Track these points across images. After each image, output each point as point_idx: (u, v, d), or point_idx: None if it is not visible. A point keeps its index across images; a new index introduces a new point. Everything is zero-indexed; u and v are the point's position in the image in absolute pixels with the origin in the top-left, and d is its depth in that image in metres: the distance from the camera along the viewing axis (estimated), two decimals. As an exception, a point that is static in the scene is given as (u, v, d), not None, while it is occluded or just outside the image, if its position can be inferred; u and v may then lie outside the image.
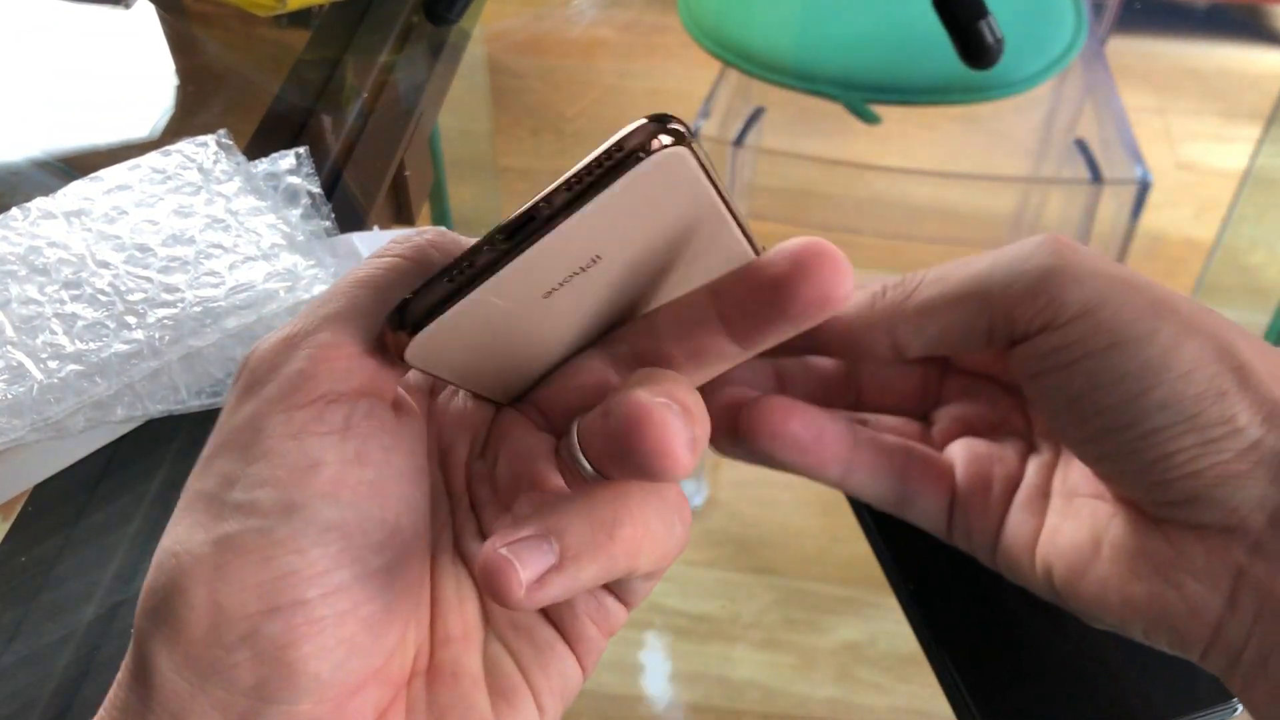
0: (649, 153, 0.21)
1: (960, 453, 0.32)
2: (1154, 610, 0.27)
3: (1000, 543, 0.31)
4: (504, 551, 0.22)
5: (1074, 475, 0.31)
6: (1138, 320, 0.27)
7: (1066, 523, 0.30)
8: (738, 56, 0.94)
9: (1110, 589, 0.28)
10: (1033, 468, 0.32)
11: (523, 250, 0.22)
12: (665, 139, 0.21)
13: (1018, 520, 0.31)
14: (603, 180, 0.21)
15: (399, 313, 0.24)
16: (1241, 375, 0.26)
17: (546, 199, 0.22)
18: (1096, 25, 1.04)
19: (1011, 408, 0.33)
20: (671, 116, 0.21)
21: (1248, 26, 1.49)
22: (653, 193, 0.22)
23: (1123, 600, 0.28)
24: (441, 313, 0.23)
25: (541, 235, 0.22)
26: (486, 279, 0.23)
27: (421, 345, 0.24)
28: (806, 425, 0.30)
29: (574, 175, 0.22)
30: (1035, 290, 0.27)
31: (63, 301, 0.48)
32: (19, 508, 0.46)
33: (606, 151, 0.21)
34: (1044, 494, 0.31)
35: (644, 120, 0.21)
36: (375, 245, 0.54)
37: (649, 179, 0.22)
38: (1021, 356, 0.28)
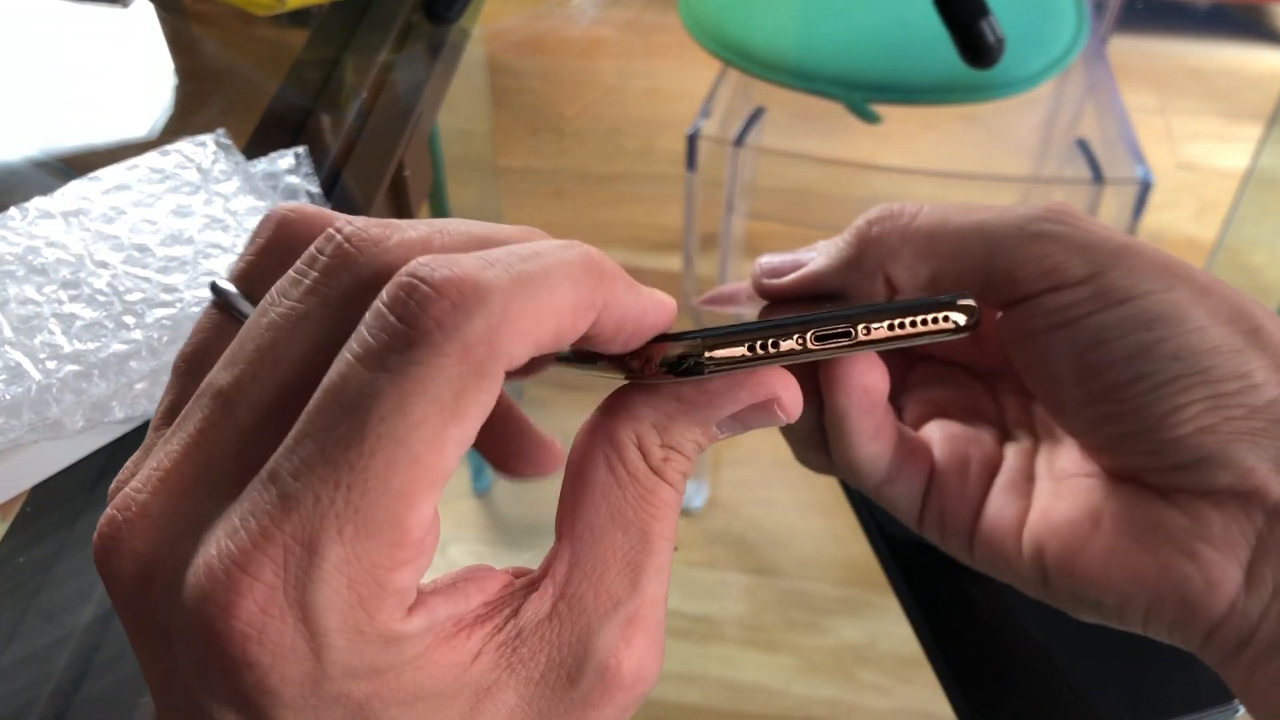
0: (958, 330, 0.25)
1: (935, 433, 0.31)
2: (1165, 584, 0.25)
3: (979, 529, 0.29)
4: None
5: (1061, 459, 0.30)
6: (1149, 279, 0.26)
7: (1059, 501, 0.28)
8: (738, 56, 0.94)
9: (1113, 564, 0.26)
10: (1012, 453, 0.31)
11: (826, 356, 0.24)
12: (962, 320, 0.25)
13: (1000, 503, 0.29)
14: (914, 333, 0.24)
15: (683, 359, 0.22)
16: (1257, 336, 0.25)
17: (866, 325, 0.24)
18: (1098, 25, 1.03)
19: (983, 394, 0.32)
20: (972, 301, 0.25)
21: (1249, 26, 1.49)
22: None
23: (1128, 575, 0.26)
24: (726, 371, 0.23)
25: (847, 351, 0.24)
26: (779, 361, 0.23)
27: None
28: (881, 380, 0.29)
29: (897, 318, 0.24)
30: (1043, 253, 0.26)
31: (61, 302, 0.47)
32: (17, 508, 0.45)
33: (929, 311, 0.24)
34: (1028, 477, 0.30)
35: (962, 299, 0.25)
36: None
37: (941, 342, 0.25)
38: (1022, 314, 0.27)
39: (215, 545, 0.19)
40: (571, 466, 0.23)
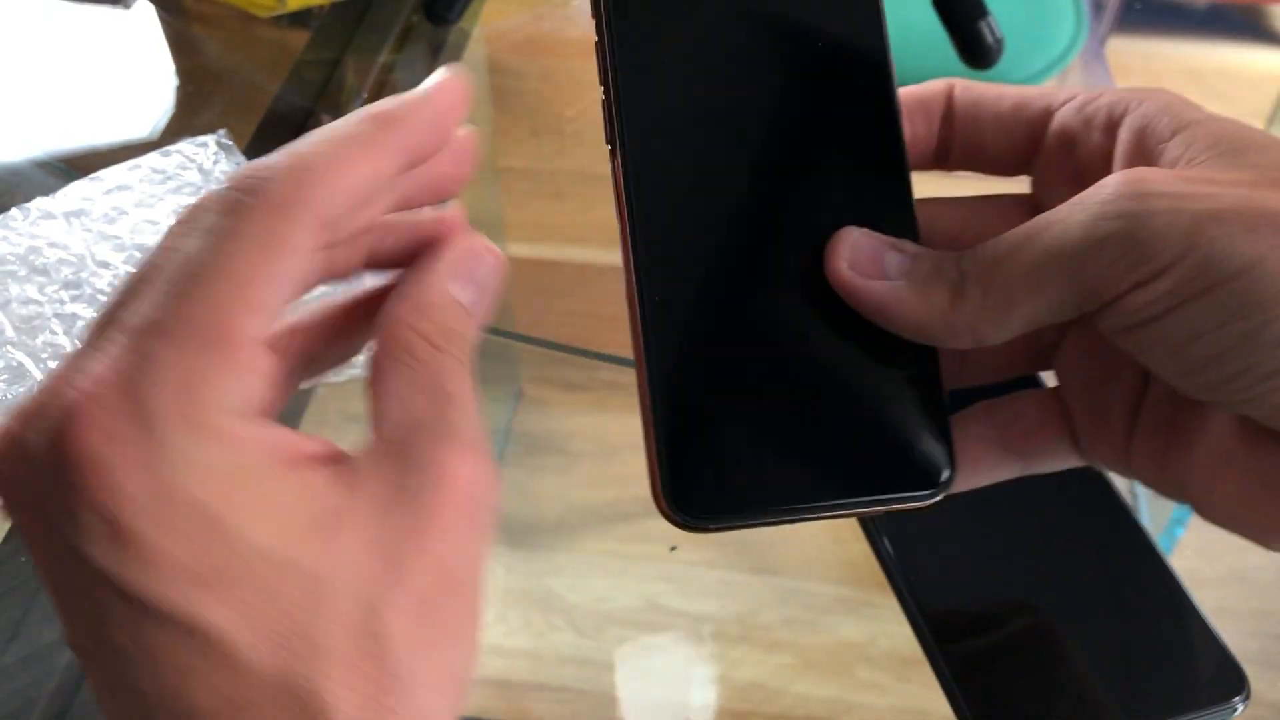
0: None
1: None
2: None
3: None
4: None
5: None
6: (1234, 254, 0.23)
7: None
8: (738, 57, 0.94)
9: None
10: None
11: None
12: None
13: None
14: None
15: None
16: None
17: None
18: (1096, 25, 1.04)
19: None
20: None
21: (1248, 27, 1.48)
22: None
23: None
24: None
25: None
26: None
27: None
28: None
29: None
30: (1121, 254, 0.24)
31: (62, 302, 0.48)
32: (19, 508, 0.45)
33: None
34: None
35: None
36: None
37: None
38: (1109, 316, 0.25)
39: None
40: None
